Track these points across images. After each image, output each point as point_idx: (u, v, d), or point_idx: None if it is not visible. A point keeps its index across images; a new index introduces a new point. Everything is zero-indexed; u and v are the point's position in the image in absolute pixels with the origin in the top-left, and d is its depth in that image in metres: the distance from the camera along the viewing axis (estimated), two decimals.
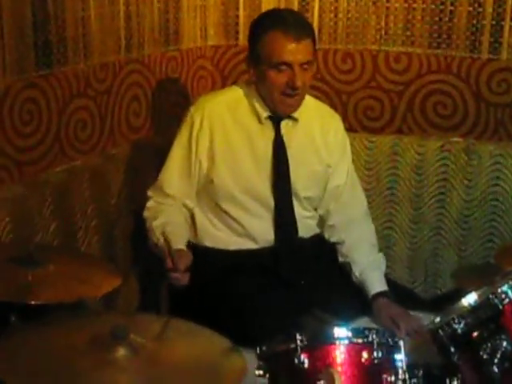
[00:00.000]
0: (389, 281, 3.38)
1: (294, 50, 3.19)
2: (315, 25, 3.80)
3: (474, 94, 4.01)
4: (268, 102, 3.29)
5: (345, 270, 3.37)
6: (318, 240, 3.48)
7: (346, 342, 2.40)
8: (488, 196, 4.04)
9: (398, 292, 3.32)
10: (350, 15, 4.03)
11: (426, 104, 4.07)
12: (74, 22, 3.21)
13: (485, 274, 2.99)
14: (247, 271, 3.26)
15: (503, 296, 2.51)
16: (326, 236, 3.50)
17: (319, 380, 2.25)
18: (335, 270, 3.41)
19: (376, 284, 3.26)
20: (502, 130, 4.00)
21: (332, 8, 4.01)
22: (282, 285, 3.21)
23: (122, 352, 2.18)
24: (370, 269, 3.32)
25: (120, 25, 3.49)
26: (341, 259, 3.42)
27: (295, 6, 3.95)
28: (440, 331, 2.59)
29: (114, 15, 3.44)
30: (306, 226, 3.44)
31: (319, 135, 3.47)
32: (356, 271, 3.32)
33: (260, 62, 3.21)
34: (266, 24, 3.25)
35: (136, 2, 3.58)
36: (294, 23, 3.30)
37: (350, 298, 3.23)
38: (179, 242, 3.14)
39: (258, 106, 3.32)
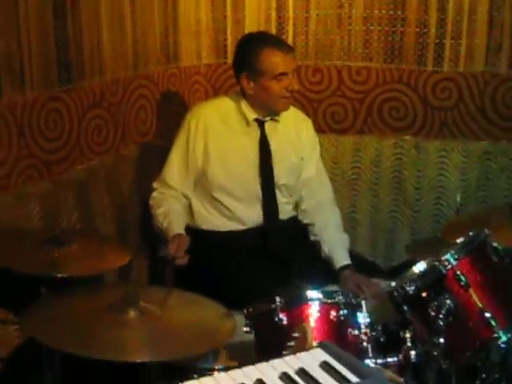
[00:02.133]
0: (355, 255, 3.39)
1: (288, 62, 3.23)
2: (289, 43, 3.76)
3: (421, 100, 4.00)
4: (261, 106, 3.30)
5: (315, 247, 3.37)
6: (294, 221, 3.48)
7: (318, 302, 2.43)
8: (435, 184, 4.05)
9: (362, 263, 3.33)
10: (318, 37, 4.00)
11: (382, 109, 4.07)
12: (90, 45, 3.20)
13: (432, 246, 2.99)
14: (237, 248, 3.25)
15: (446, 263, 2.53)
16: (300, 218, 3.49)
17: (294, 333, 2.27)
18: (308, 246, 3.41)
19: (341, 259, 3.26)
20: (445, 130, 4.01)
21: (303, 31, 3.99)
22: (266, 258, 3.21)
23: (132, 314, 2.21)
24: (337, 246, 3.32)
25: (128, 47, 3.46)
26: (312, 238, 3.41)
27: (273, 30, 3.94)
28: (395, 293, 2.61)
29: (123, 39, 3.42)
30: (285, 210, 3.44)
31: (294, 134, 3.47)
32: (325, 248, 3.32)
33: (260, 75, 3.20)
34: (258, 43, 3.25)
35: (141, 28, 3.55)
36: (281, 41, 3.37)
37: (321, 270, 3.22)
38: (178, 228, 3.17)
39: (246, 110, 3.30)
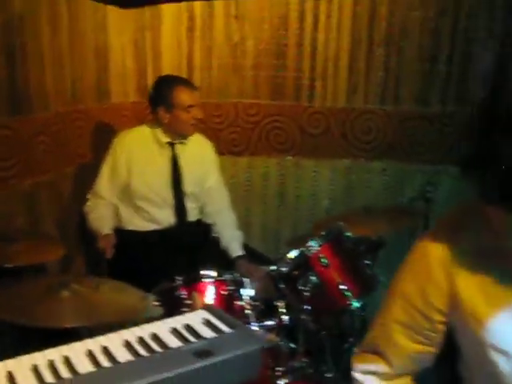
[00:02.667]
0: (249, 249, 3.41)
1: (194, 97, 3.26)
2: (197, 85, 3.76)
3: (299, 128, 4.02)
4: (174, 132, 3.30)
5: (215, 242, 3.40)
6: (200, 222, 3.49)
7: (211, 280, 2.45)
8: (310, 193, 4.07)
9: (255, 255, 3.36)
10: (219, 80, 4.00)
11: (269, 136, 4.06)
12: (36, 82, 3.13)
13: (305, 240, 3.03)
14: (155, 244, 3.24)
15: (311, 248, 2.59)
16: (204, 219, 3.50)
17: (188, 300, 2.30)
18: (211, 241, 3.43)
19: (236, 250, 3.29)
20: (317, 151, 4.04)
21: (207, 75, 3.99)
22: (178, 251, 3.19)
23: (65, 294, 2.20)
24: (232, 241, 3.35)
25: (68, 85, 3.40)
26: (213, 235, 3.41)
27: (184, 75, 3.88)
28: (273, 273, 2.66)
29: (64, 78, 3.36)
30: (192, 213, 3.43)
31: (199, 153, 3.48)
32: (223, 242, 3.34)
33: (174, 107, 3.21)
34: (172, 83, 3.26)
35: (79, 71, 3.49)
36: (188, 81, 3.40)
37: (221, 260, 3.21)
38: (107, 229, 3.16)
39: (160, 136, 3.30)
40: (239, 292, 2.50)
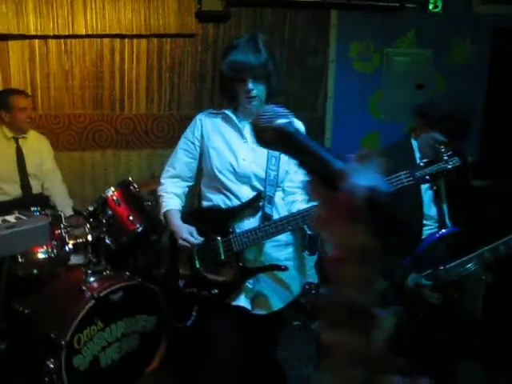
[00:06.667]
0: (76, 210, 3.87)
1: (27, 102, 3.71)
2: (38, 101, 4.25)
3: (114, 129, 4.52)
4: (16, 128, 3.67)
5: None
6: (41, 195, 3.92)
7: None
8: (125, 173, 4.20)
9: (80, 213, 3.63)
10: (56, 97, 4.36)
11: (94, 136, 4.51)
12: None
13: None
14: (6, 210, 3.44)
15: (108, 193, 3.25)
16: (44, 193, 3.94)
17: None
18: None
19: (68, 212, 3.77)
20: (128, 145, 4.56)
21: (46, 94, 4.34)
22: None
23: None
24: (64, 206, 3.81)
25: None
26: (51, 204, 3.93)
27: (28, 90, 4.15)
28: (86, 213, 3.26)
29: None
30: (35, 188, 3.85)
31: (37, 145, 3.90)
32: (58, 207, 3.80)
33: (11, 109, 3.62)
34: (9, 92, 3.72)
35: None
36: (22, 91, 3.77)
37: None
38: None
39: (6, 132, 3.72)
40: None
